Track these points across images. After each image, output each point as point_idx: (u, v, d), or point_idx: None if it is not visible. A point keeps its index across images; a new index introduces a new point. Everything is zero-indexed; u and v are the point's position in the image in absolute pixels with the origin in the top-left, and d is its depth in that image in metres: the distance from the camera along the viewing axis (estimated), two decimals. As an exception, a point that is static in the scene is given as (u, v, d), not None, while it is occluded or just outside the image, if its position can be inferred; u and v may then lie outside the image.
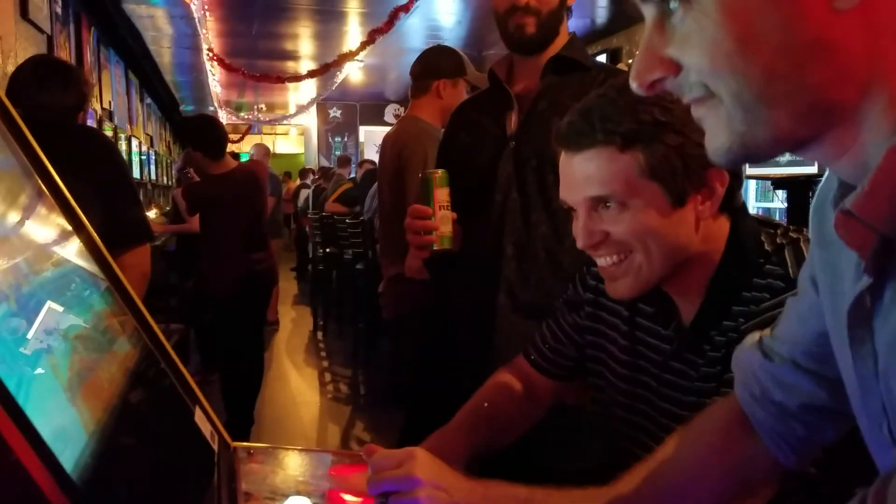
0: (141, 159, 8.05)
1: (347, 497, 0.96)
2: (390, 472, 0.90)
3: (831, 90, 0.52)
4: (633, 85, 0.59)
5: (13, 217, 0.79)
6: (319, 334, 6.92)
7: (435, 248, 1.45)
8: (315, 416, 4.64)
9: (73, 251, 0.92)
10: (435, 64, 2.59)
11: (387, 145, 2.69)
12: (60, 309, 0.74)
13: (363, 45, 7.18)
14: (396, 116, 14.25)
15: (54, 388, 0.64)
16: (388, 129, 11.81)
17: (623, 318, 1.16)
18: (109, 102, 6.62)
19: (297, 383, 5.34)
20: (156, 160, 9.88)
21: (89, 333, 0.80)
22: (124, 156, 6.80)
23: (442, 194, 1.43)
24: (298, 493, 0.96)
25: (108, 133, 6.11)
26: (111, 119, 6.52)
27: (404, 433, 2.80)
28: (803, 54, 0.51)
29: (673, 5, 0.54)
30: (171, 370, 0.98)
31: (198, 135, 3.77)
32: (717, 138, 0.57)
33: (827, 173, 0.66)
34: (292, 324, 7.36)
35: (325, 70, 8.44)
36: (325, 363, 5.95)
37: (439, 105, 2.55)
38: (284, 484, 0.99)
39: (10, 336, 0.61)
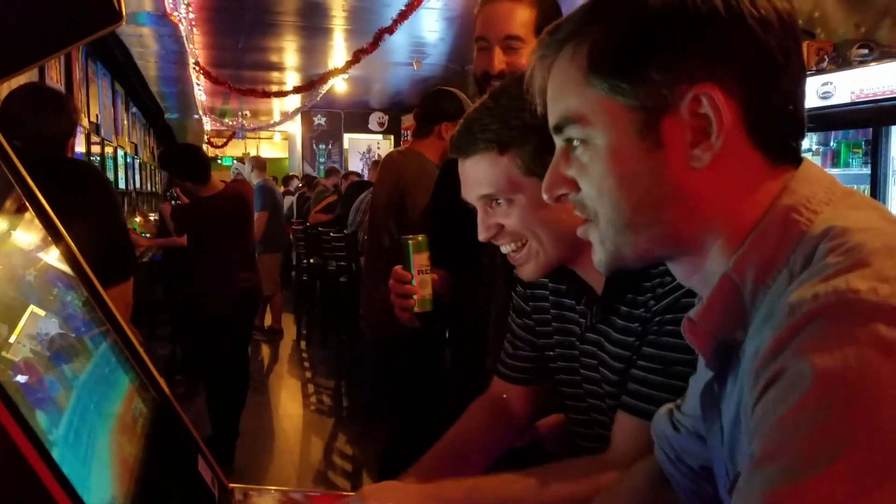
0: (126, 169, 8.12)
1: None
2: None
3: (680, 225, 0.70)
4: (545, 196, 0.78)
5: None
6: (303, 344, 7.03)
7: (416, 310, 1.52)
8: (298, 428, 4.75)
9: (73, 288, 1.05)
10: (438, 108, 2.74)
11: (387, 171, 2.83)
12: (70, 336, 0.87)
13: (348, 65, 7.30)
14: (381, 124, 14.37)
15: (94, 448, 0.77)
16: (372, 136, 11.77)
17: (550, 303, 1.29)
18: (96, 116, 6.69)
19: (281, 395, 5.44)
20: (140, 167, 9.93)
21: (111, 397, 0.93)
22: (110, 166, 6.88)
23: (421, 259, 1.50)
24: (290, 534, 1.09)
25: (95, 147, 6.18)
26: (98, 132, 6.59)
27: (388, 450, 2.92)
28: (662, 196, 0.70)
29: (576, 142, 0.73)
30: (178, 425, 1.11)
31: (182, 168, 3.88)
32: (597, 253, 0.76)
33: None
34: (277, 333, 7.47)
35: (310, 87, 8.55)
36: (309, 374, 6.05)
37: (441, 145, 2.71)
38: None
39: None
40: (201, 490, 1.07)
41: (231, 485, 1.21)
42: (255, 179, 6.94)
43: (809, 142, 4.79)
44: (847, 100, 4.20)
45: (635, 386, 1.09)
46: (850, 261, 0.57)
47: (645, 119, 0.68)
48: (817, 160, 4.77)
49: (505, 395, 1.41)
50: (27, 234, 1.00)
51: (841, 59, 4.46)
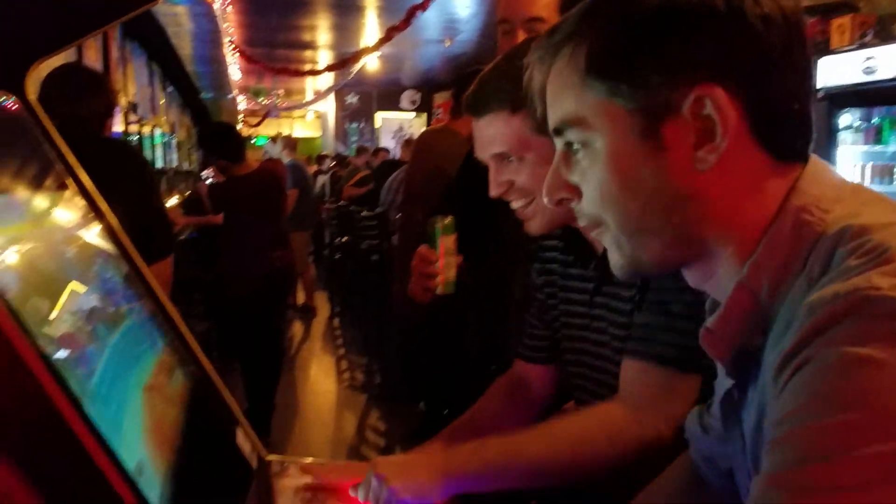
0: (164, 147, 8.23)
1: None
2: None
3: (691, 228, 0.68)
4: (545, 200, 0.77)
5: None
6: (336, 321, 7.11)
7: (438, 292, 1.50)
8: (332, 404, 4.82)
9: (116, 266, 1.07)
10: None
11: (423, 149, 2.81)
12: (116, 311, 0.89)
13: (381, 42, 7.28)
14: (412, 102, 14.35)
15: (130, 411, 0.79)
16: (404, 115, 11.75)
17: (558, 274, 1.31)
18: (134, 95, 6.79)
19: (314, 371, 5.53)
20: (177, 146, 10.06)
21: (157, 364, 0.96)
22: (147, 145, 6.98)
23: (448, 241, 1.48)
24: (325, 505, 1.12)
25: (133, 126, 6.28)
26: (135, 111, 6.69)
27: (421, 427, 2.95)
28: (669, 200, 0.68)
29: (576, 146, 0.72)
30: (217, 397, 1.14)
31: (217, 145, 3.93)
32: (614, 257, 0.74)
33: None
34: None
35: (342, 65, 8.56)
36: (342, 351, 6.12)
37: None
38: (315, 497, 1.14)
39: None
40: (239, 461, 1.10)
41: (268, 456, 1.23)
42: (285, 158, 6.99)
43: (851, 118, 4.68)
44: (890, 75, 4.09)
45: (638, 331, 1.12)
46: (873, 261, 0.56)
47: (646, 122, 0.66)
48: (859, 137, 4.66)
49: (524, 375, 1.43)
50: (68, 211, 1.02)
51: (885, 33, 4.33)
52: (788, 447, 0.54)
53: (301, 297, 7.44)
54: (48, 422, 0.63)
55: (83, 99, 2.40)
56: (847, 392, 0.52)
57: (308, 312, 7.26)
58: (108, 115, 2.51)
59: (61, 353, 0.70)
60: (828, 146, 4.54)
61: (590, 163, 0.70)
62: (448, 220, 1.50)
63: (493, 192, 1.20)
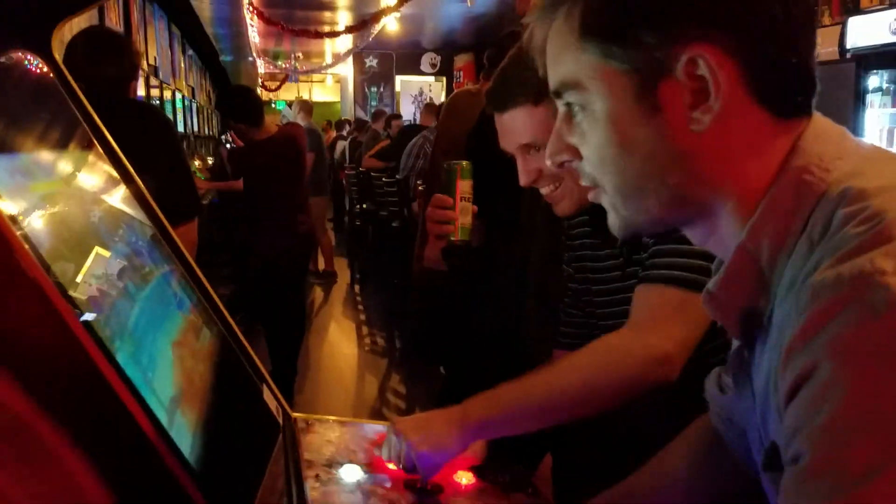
0: (184, 111, 8.25)
1: (391, 465, 1.14)
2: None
3: (687, 190, 0.68)
4: (548, 162, 0.78)
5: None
6: (357, 288, 7.16)
7: (453, 238, 1.46)
8: (354, 368, 4.88)
9: (143, 226, 1.09)
10: (508, 52, 2.69)
11: (455, 112, 2.76)
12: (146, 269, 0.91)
13: (401, 2, 7.20)
14: (433, 65, 14.22)
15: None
16: (424, 78, 11.60)
17: (588, 259, 1.33)
18: (154, 58, 6.78)
19: (336, 336, 5.58)
20: (197, 110, 10.07)
21: (185, 324, 0.98)
22: (169, 109, 7.00)
23: (465, 186, 1.45)
24: (350, 461, 1.14)
25: (154, 90, 6.29)
26: (156, 74, 6.69)
27: (444, 391, 2.97)
28: (666, 161, 0.68)
29: (575, 108, 0.72)
30: (243, 356, 1.16)
31: (235, 109, 3.92)
32: (611, 218, 0.75)
33: None
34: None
35: (362, 27, 8.48)
36: (363, 317, 6.18)
37: None
38: (339, 453, 1.17)
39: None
40: (267, 417, 1.12)
41: (294, 414, 1.26)
42: (302, 122, 6.96)
43: (880, 80, 4.57)
44: (922, 35, 3.98)
45: (649, 260, 1.14)
46: (870, 233, 0.55)
47: (640, 83, 0.65)
48: (887, 99, 4.56)
49: None
50: (94, 173, 1.04)
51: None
52: (820, 479, 0.53)
53: (321, 264, 7.48)
54: (85, 376, 0.64)
55: (107, 61, 2.41)
56: (866, 411, 0.52)
57: (329, 278, 7.31)
58: (132, 76, 2.52)
59: (90, 314, 0.72)
60: (855, 108, 4.45)
61: (588, 125, 0.70)
62: (465, 164, 1.46)
63: (524, 181, 1.23)
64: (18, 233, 0.65)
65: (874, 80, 4.56)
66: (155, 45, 6.99)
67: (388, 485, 1.10)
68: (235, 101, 4.03)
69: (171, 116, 7.04)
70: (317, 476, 1.07)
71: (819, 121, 0.68)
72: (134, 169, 1.12)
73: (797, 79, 0.67)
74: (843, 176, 0.62)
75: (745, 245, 0.66)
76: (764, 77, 0.65)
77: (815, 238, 0.61)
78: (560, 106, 0.74)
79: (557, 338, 1.45)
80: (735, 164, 0.66)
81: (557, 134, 0.75)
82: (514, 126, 1.22)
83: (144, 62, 6.09)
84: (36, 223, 0.73)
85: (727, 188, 0.67)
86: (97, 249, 0.84)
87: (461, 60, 12.88)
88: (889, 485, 0.50)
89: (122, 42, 2.64)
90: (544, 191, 1.24)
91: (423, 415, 1.20)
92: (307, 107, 7.50)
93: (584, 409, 1.10)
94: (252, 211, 3.99)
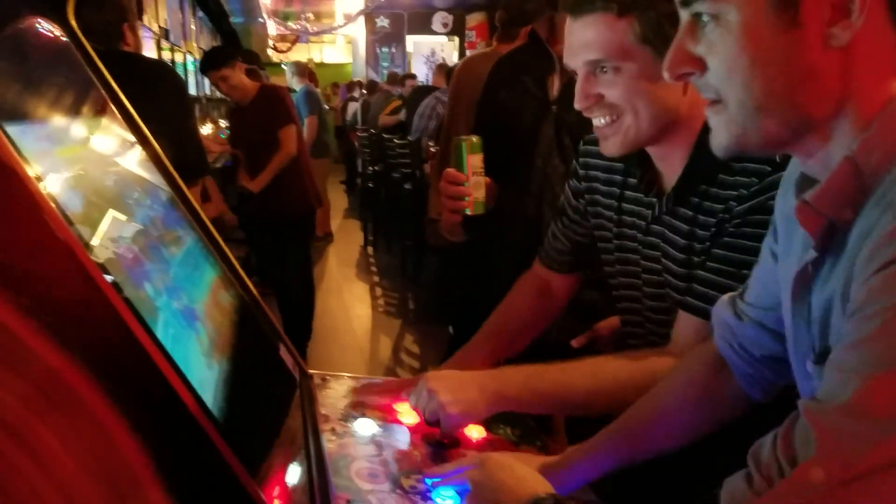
0: (196, 74, 8.22)
1: (401, 416, 1.18)
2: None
3: (812, 108, 0.69)
4: (665, 75, 0.77)
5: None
6: (370, 249, 7.20)
7: (468, 212, 1.49)
8: (367, 328, 4.94)
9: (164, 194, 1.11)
10: (523, 10, 2.64)
11: (469, 74, 2.71)
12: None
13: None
14: (444, 25, 14.03)
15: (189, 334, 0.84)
16: (436, 38, 11.35)
17: (614, 197, 1.29)
18: (165, 20, 6.75)
19: (349, 297, 5.63)
20: (209, 74, 10.02)
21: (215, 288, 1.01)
22: (181, 72, 6.98)
23: (475, 160, 1.46)
24: (364, 415, 1.18)
25: (166, 52, 6.27)
26: (167, 38, 6.67)
27: (451, 349, 3.01)
28: (796, 77, 0.68)
29: (705, 18, 0.71)
30: (260, 315, 1.19)
31: (203, 62, 3.96)
32: (719, 137, 0.75)
33: (792, 158, 0.83)
34: (343, 238, 7.65)
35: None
36: (376, 278, 6.23)
37: None
38: (353, 407, 1.21)
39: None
40: (284, 372, 1.16)
41: (310, 371, 1.29)
42: (297, 86, 6.87)
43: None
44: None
45: (702, 288, 1.10)
46: None
47: None
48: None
49: (546, 279, 1.47)
50: (112, 137, 1.06)
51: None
52: (868, 348, 0.56)
53: (323, 227, 7.49)
54: (114, 333, 0.68)
55: (87, 11, 2.34)
56: None
57: (325, 239, 7.28)
58: (122, 21, 2.38)
59: (118, 272, 0.75)
60: None
61: (720, 35, 0.70)
62: (475, 138, 1.48)
63: (580, 104, 1.12)
64: (45, 193, 0.67)
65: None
66: (165, 8, 6.94)
67: (403, 436, 1.14)
68: (203, 58, 4.04)
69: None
70: (333, 429, 1.11)
71: None
72: (146, 126, 1.13)
73: None
74: None
75: (854, 157, 0.67)
76: None
77: None
78: (685, 15, 0.73)
79: (542, 253, 1.47)
80: (861, 83, 0.67)
81: (680, 44, 0.74)
82: (586, 37, 1.09)
83: (155, 24, 6.07)
84: (60, 186, 0.75)
85: (850, 106, 0.68)
86: (116, 212, 0.86)
87: (473, 20, 12.68)
88: None
89: None
90: (597, 122, 1.13)
91: (456, 375, 1.19)
92: (300, 69, 7.26)
93: (612, 413, 1.10)
94: (250, 174, 3.96)
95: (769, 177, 1.03)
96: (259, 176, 3.90)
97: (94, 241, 0.74)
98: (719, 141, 0.74)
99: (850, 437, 0.56)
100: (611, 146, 1.14)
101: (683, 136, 1.12)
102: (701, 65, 0.72)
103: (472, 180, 1.47)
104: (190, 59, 7.96)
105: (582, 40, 1.10)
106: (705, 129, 1.11)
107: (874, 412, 0.55)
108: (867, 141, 0.66)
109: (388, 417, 1.19)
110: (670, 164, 1.16)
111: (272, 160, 3.89)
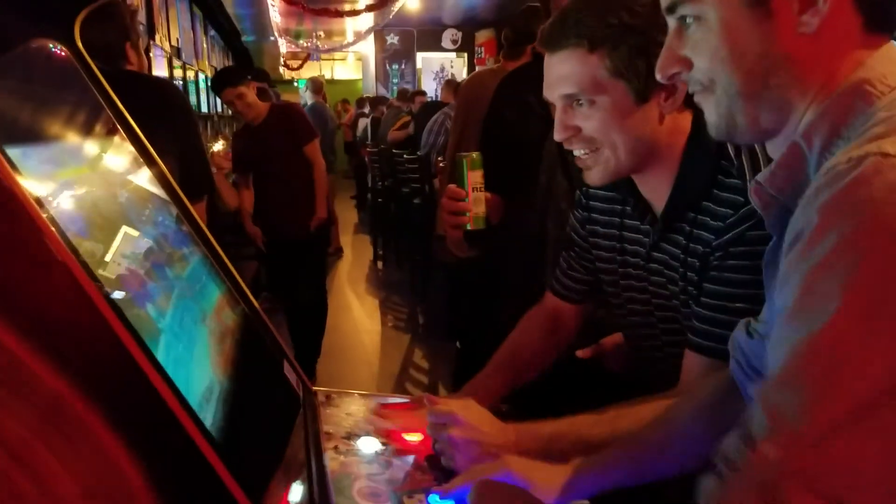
0: (208, 92, 8.29)
1: (406, 437, 1.17)
2: (439, 407, 1.11)
3: (785, 92, 0.75)
4: (658, 76, 0.84)
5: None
6: (379, 264, 7.20)
7: (469, 228, 1.51)
8: (377, 343, 4.93)
9: (169, 213, 1.12)
10: (528, 28, 2.67)
11: (476, 91, 2.75)
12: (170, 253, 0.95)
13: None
14: (454, 42, 14.12)
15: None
16: (445, 55, 11.42)
17: (615, 225, 1.30)
18: (177, 39, 6.83)
19: (359, 312, 5.64)
20: (220, 91, 10.10)
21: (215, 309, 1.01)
22: (192, 90, 7.05)
23: (475, 176, 1.48)
24: (369, 434, 1.17)
25: (177, 71, 6.33)
26: (179, 56, 6.74)
27: (459, 364, 3.01)
28: (772, 63, 0.74)
29: (689, 20, 0.78)
30: (264, 332, 1.20)
31: (215, 82, 3.91)
32: (711, 118, 0.81)
33: None
34: (353, 253, 7.67)
35: (382, 4, 8.45)
36: (385, 293, 6.22)
37: None
38: (357, 425, 1.20)
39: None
40: (287, 390, 1.16)
41: (314, 388, 1.29)
42: (310, 100, 6.93)
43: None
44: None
45: (702, 326, 1.10)
46: (888, 126, 0.61)
47: None
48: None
49: (556, 310, 1.46)
50: (119, 156, 1.07)
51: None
52: (794, 320, 0.60)
53: (334, 243, 7.51)
54: (114, 355, 0.68)
55: (89, 29, 2.32)
56: (839, 264, 0.58)
57: (337, 253, 7.31)
58: (124, 40, 2.36)
59: (118, 293, 0.75)
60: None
61: (702, 34, 0.77)
62: (475, 155, 1.50)
63: (558, 136, 1.17)
64: (45, 216, 0.68)
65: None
66: (177, 26, 7.02)
67: (407, 456, 1.13)
68: (213, 79, 4.03)
69: (194, 97, 7.09)
70: (336, 447, 1.11)
71: (892, 47, 0.73)
72: (151, 145, 1.14)
73: None
74: None
75: (797, 142, 0.72)
76: None
77: (852, 139, 0.66)
78: (671, 22, 0.80)
79: (554, 283, 1.46)
80: (825, 68, 0.73)
81: (669, 48, 0.81)
82: (561, 71, 1.13)
83: (167, 43, 6.13)
84: (63, 206, 0.76)
85: (813, 90, 0.73)
86: (125, 229, 0.87)
87: (482, 36, 12.76)
88: (844, 317, 0.57)
89: (106, 6, 2.52)
90: (577, 153, 1.17)
91: (477, 430, 1.08)
92: (316, 86, 7.36)
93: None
94: (262, 193, 3.97)
95: (742, 208, 1.06)
96: (317, 200, 3.93)
97: (95, 264, 0.74)
98: (712, 121, 0.80)
99: (789, 409, 0.58)
100: (593, 176, 1.18)
101: (665, 164, 1.15)
102: (688, 63, 0.79)
103: (472, 196, 1.49)
104: (202, 76, 8.03)
105: (557, 75, 1.14)
106: (686, 157, 1.14)
107: (802, 378, 0.58)
108: (811, 126, 0.71)
109: (392, 436, 1.18)
110: (656, 191, 1.18)
111: (316, 181, 3.94)
